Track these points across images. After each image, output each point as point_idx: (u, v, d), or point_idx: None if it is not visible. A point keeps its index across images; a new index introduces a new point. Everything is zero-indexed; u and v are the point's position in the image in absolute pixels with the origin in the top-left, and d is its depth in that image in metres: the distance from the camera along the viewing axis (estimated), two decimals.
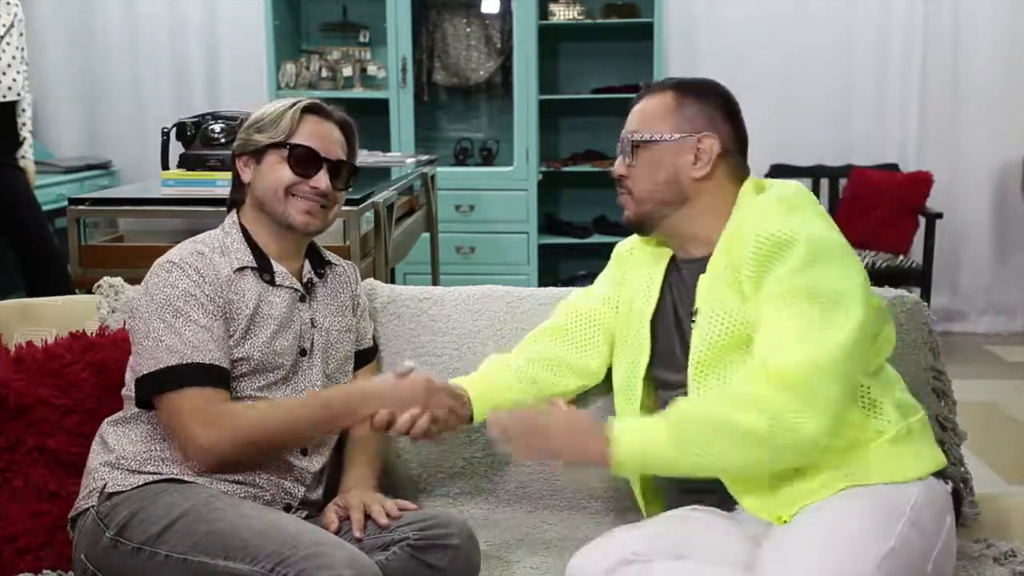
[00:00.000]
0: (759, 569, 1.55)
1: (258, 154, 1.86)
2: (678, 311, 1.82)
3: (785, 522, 1.61)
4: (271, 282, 1.84)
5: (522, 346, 2.00)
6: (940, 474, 1.71)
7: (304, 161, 1.85)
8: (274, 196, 1.85)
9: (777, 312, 1.64)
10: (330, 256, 2.01)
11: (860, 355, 1.64)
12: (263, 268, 1.84)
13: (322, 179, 1.85)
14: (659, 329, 1.84)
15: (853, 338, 1.60)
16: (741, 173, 1.83)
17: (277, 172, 1.85)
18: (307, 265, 1.92)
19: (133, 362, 1.80)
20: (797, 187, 1.79)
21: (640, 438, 1.64)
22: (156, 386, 1.72)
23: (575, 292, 2.06)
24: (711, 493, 1.72)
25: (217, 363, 1.73)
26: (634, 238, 1.97)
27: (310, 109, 1.89)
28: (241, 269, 1.82)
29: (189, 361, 1.71)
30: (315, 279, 1.92)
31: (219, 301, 1.77)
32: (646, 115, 1.82)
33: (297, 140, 1.85)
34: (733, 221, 1.75)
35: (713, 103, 1.81)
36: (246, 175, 1.88)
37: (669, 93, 1.82)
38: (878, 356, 1.74)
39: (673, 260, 1.87)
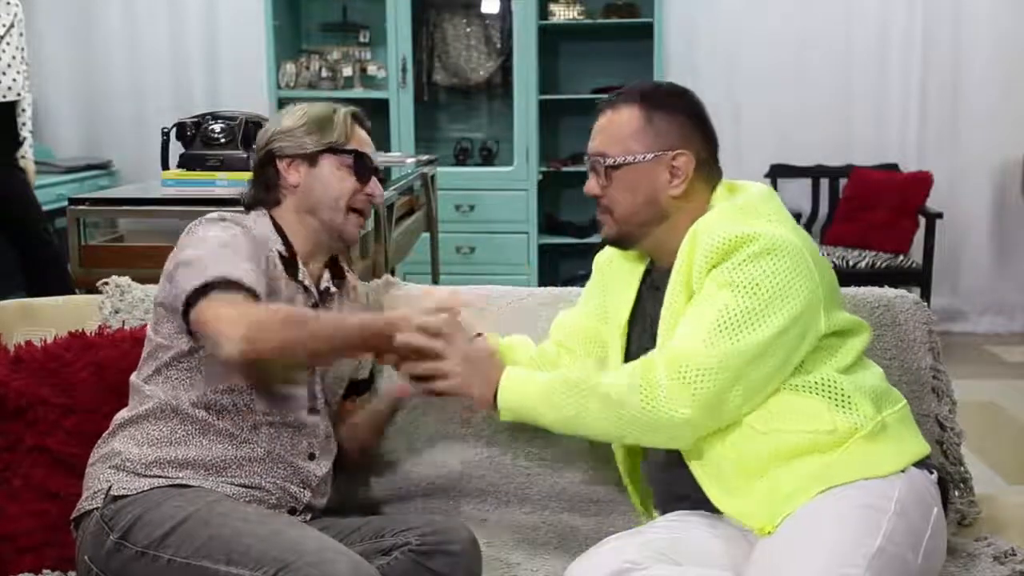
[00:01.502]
0: (749, 574, 1.55)
1: (311, 158, 1.86)
2: (651, 323, 1.81)
3: (770, 532, 1.60)
4: (293, 275, 1.84)
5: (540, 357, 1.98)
6: (925, 465, 1.70)
7: (363, 169, 1.87)
8: (334, 206, 1.85)
9: (702, 302, 1.65)
10: (350, 274, 2.01)
11: (773, 360, 1.62)
12: (290, 261, 1.84)
13: (376, 188, 1.90)
14: (633, 338, 1.84)
15: (761, 346, 1.60)
16: (714, 179, 1.81)
17: (339, 180, 1.86)
18: (326, 274, 1.92)
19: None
20: (761, 193, 1.78)
21: (520, 391, 1.68)
22: (200, 295, 1.65)
23: (566, 312, 2.02)
24: (703, 502, 1.71)
25: (258, 291, 1.68)
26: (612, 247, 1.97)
27: (357, 118, 1.91)
28: (276, 252, 1.82)
29: (237, 279, 1.66)
30: (332, 288, 1.92)
31: (262, 266, 1.77)
32: (616, 134, 1.78)
33: (354, 146, 1.87)
34: (692, 229, 1.72)
35: (683, 114, 1.78)
36: (293, 177, 1.86)
37: (636, 108, 1.77)
38: (848, 353, 1.72)
39: (648, 270, 1.86)
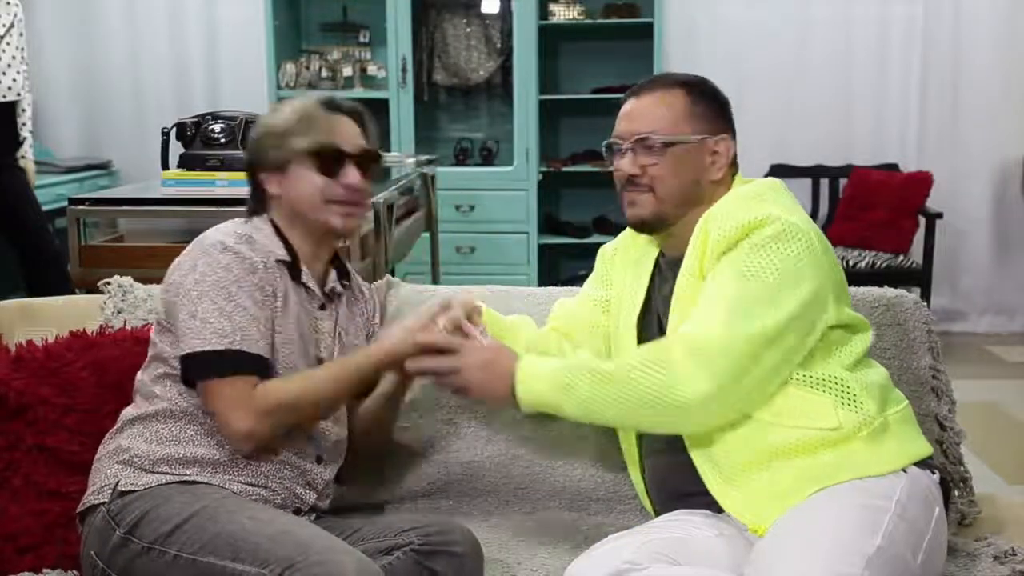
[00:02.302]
0: (748, 574, 1.55)
1: (281, 165, 1.83)
2: (660, 315, 1.82)
3: (764, 531, 1.60)
4: (296, 279, 1.83)
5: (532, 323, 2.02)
6: (927, 465, 1.70)
7: (330, 161, 1.82)
8: (311, 206, 1.83)
9: (715, 287, 1.67)
10: (357, 277, 2.01)
11: (786, 344, 1.63)
12: (292, 264, 1.84)
13: (351, 174, 1.83)
14: (644, 334, 1.84)
15: (777, 328, 1.61)
16: (736, 171, 1.86)
17: (308, 181, 1.82)
18: (332, 274, 1.91)
19: (171, 340, 1.77)
20: (772, 184, 1.82)
21: (537, 387, 1.67)
22: (202, 368, 1.71)
23: (565, 300, 2.06)
24: (701, 496, 1.72)
25: (262, 353, 1.73)
26: (619, 240, 1.98)
27: (321, 106, 1.86)
28: (277, 261, 1.81)
29: (238, 348, 1.70)
30: (339, 288, 1.91)
31: (266, 291, 1.77)
32: (665, 115, 1.79)
33: (315, 143, 1.82)
34: (704, 216, 1.75)
35: (718, 103, 1.83)
36: (272, 187, 1.85)
37: (679, 92, 1.81)
38: (854, 350, 1.73)
39: (657, 262, 1.87)
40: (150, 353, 1.83)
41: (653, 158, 1.78)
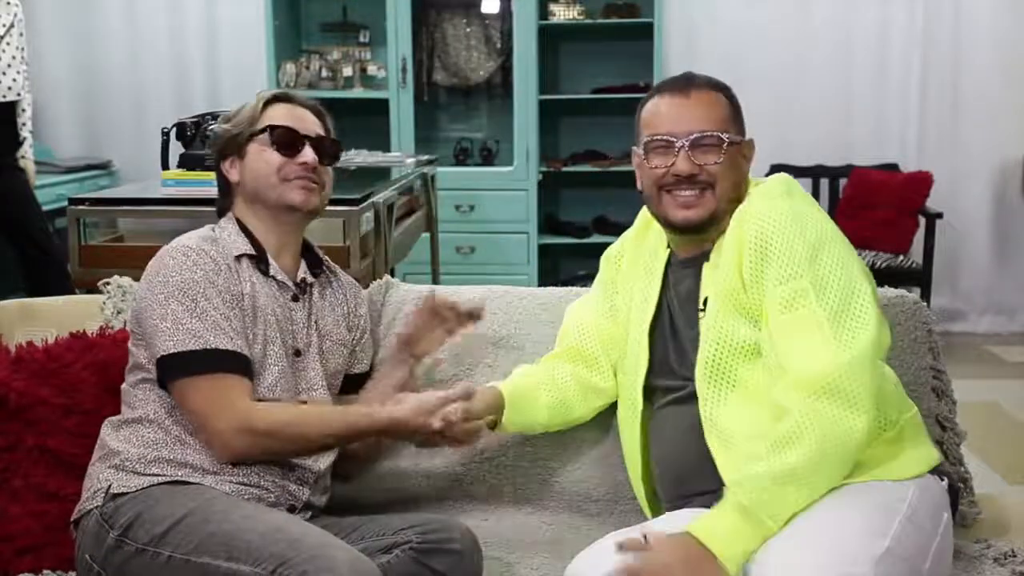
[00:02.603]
0: (754, 573, 1.55)
1: (239, 149, 1.88)
2: (673, 317, 1.82)
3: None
4: (265, 272, 1.84)
5: (546, 368, 1.97)
6: (936, 471, 1.70)
7: (286, 140, 1.87)
8: (267, 183, 1.86)
9: (790, 313, 1.63)
10: (334, 266, 2.02)
11: (883, 341, 1.65)
12: (259, 258, 1.85)
13: (308, 154, 1.87)
14: (656, 337, 1.83)
15: (875, 326, 1.61)
16: None
17: (264, 158, 1.86)
18: (303, 265, 1.92)
19: (146, 344, 1.78)
20: (786, 178, 1.82)
21: (734, 539, 1.53)
22: (178, 369, 1.72)
23: (576, 309, 2.02)
24: (710, 494, 1.71)
25: (239, 350, 1.74)
26: (621, 242, 1.96)
27: (277, 98, 1.92)
28: (239, 257, 1.83)
29: (213, 347, 1.71)
30: (310, 279, 1.92)
31: (234, 290, 1.78)
32: (718, 115, 1.78)
33: (266, 124, 1.88)
34: (737, 213, 1.75)
35: (740, 107, 1.84)
36: (233, 175, 1.90)
37: (719, 93, 1.81)
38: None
39: (669, 261, 1.86)
40: (130, 362, 1.84)
41: (714, 156, 1.75)
